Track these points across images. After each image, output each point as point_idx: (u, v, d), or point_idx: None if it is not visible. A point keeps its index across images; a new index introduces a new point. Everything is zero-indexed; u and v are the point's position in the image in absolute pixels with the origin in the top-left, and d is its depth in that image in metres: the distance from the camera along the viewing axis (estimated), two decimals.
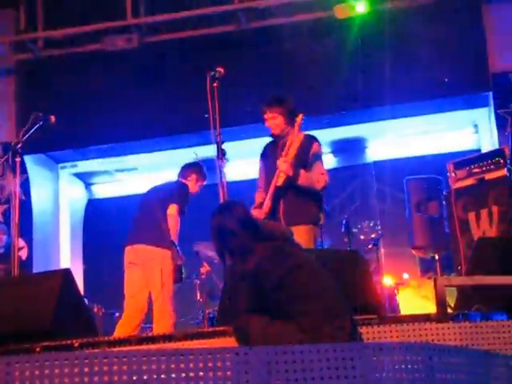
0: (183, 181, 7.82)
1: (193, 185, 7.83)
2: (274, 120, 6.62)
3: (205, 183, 7.99)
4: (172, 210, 7.42)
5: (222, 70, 6.49)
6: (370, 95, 9.58)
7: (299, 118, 6.52)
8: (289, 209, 6.42)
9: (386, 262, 9.77)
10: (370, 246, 9.30)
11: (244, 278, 4.21)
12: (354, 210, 10.63)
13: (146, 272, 7.36)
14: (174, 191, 7.62)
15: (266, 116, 6.66)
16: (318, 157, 6.64)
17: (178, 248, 7.43)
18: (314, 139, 6.66)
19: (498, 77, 9.52)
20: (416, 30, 9.57)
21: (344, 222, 9.37)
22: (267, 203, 6.43)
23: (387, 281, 9.13)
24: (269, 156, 6.76)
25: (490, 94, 9.67)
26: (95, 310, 9.38)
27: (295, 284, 4.09)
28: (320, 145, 6.72)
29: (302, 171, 6.40)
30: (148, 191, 7.94)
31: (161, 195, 7.62)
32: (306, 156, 6.54)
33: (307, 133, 6.73)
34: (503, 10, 9.71)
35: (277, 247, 4.31)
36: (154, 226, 7.43)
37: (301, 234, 6.15)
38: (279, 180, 6.42)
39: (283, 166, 6.36)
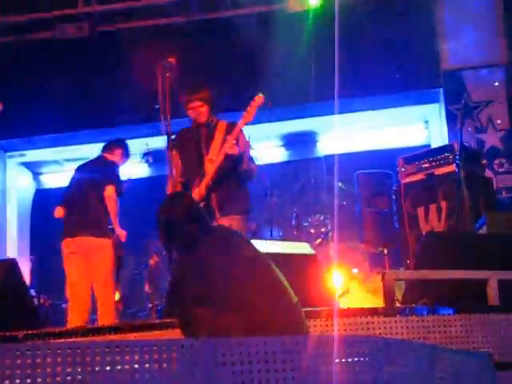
0: (109, 157, 7.66)
1: (118, 160, 7.72)
2: (202, 108, 6.48)
3: (127, 161, 7.91)
4: (109, 191, 7.31)
5: (173, 61, 6.42)
6: (321, 89, 9.58)
7: (259, 99, 6.42)
8: (222, 199, 6.33)
9: (336, 256, 9.81)
10: (319, 240, 9.32)
11: (190, 270, 4.17)
12: (305, 204, 10.64)
13: (89, 263, 7.25)
14: (106, 172, 7.47)
15: (191, 105, 6.50)
16: (245, 139, 6.56)
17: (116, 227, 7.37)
18: (236, 123, 6.47)
19: (449, 73, 9.60)
20: (368, 25, 9.61)
21: (294, 215, 9.40)
22: (200, 192, 6.32)
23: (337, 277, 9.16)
24: (187, 144, 6.57)
25: (441, 90, 9.75)
26: (42, 301, 9.28)
27: (240, 276, 4.06)
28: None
29: (245, 156, 6.36)
30: (76, 176, 7.66)
31: (92, 179, 7.42)
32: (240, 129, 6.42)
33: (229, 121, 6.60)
34: (456, 6, 9.77)
35: (223, 239, 4.29)
36: (91, 215, 7.28)
37: (234, 224, 6.15)
38: (211, 170, 6.35)
39: (234, 149, 6.26)
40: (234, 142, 6.26)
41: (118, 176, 7.55)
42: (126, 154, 7.83)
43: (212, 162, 6.33)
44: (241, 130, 6.43)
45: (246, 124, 6.40)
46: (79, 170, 7.71)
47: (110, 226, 7.35)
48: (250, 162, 6.48)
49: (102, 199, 7.29)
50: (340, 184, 9.36)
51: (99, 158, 7.70)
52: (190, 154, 6.52)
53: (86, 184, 7.41)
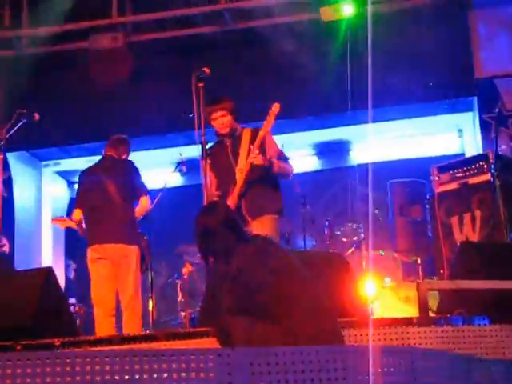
0: (123, 157, 7.65)
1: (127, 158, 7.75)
2: (225, 118, 6.55)
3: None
4: (146, 202, 7.38)
5: (207, 71, 6.46)
6: (354, 98, 9.59)
7: (276, 108, 6.46)
8: (250, 202, 6.38)
9: (368, 265, 9.78)
10: (352, 249, 9.30)
11: (227, 279, 4.19)
12: (337, 213, 10.62)
13: (117, 269, 7.25)
14: (135, 182, 7.46)
15: (214, 115, 6.57)
16: (273, 143, 6.61)
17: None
18: (258, 129, 6.52)
19: (483, 82, 9.56)
20: (402, 33, 9.60)
21: (327, 223, 9.39)
22: (233, 201, 6.37)
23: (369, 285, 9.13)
24: (217, 159, 6.62)
25: (475, 98, 9.71)
26: (76, 309, 9.35)
27: (278, 285, 4.08)
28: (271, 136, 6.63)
29: (273, 160, 6.39)
30: (96, 179, 7.47)
31: (122, 186, 7.37)
32: (263, 148, 6.48)
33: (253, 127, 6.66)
34: (488, 15, 9.74)
35: (260, 248, 4.30)
36: (122, 222, 7.28)
37: (265, 225, 6.21)
38: (240, 179, 6.38)
39: (258, 159, 6.31)
40: (257, 151, 6.32)
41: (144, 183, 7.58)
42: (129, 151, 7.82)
43: (241, 172, 6.39)
44: (266, 136, 6.48)
45: (270, 132, 6.49)
46: (98, 172, 7.55)
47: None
48: (283, 162, 6.51)
49: (132, 207, 7.34)
50: (376, 211, 9.30)
51: (119, 162, 7.64)
52: (220, 167, 6.59)
53: (114, 190, 7.34)
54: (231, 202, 6.35)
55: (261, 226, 6.30)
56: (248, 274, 4.09)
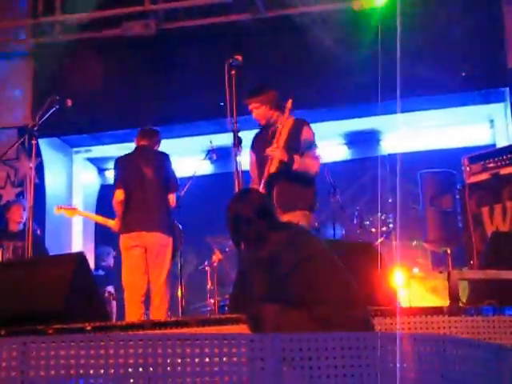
0: (163, 152, 7.79)
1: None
2: (258, 110, 6.59)
3: None
4: (173, 198, 7.51)
5: (240, 58, 6.49)
6: (385, 87, 9.52)
7: (289, 104, 6.48)
8: (282, 195, 6.34)
9: (398, 255, 9.76)
10: (381, 239, 9.29)
11: (258, 266, 4.21)
12: (367, 203, 10.60)
13: (152, 257, 7.34)
14: (171, 175, 7.62)
15: (249, 108, 6.64)
16: (310, 141, 6.60)
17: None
18: (304, 123, 6.58)
19: None
20: (433, 24, 9.54)
21: (356, 213, 9.38)
22: (262, 190, 6.38)
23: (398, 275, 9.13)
24: (259, 146, 6.70)
25: (507, 89, 9.64)
26: (106, 294, 9.42)
27: (308, 273, 4.09)
28: (311, 128, 6.64)
29: (295, 156, 6.37)
30: (138, 165, 7.57)
31: (161, 179, 7.51)
32: (298, 140, 6.49)
33: (297, 117, 6.67)
34: None
35: (291, 235, 4.32)
36: (159, 213, 7.41)
37: (297, 220, 6.19)
38: (272, 167, 6.39)
39: (276, 152, 6.32)
40: (276, 145, 6.32)
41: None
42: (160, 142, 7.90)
43: (272, 163, 6.40)
44: (299, 129, 6.49)
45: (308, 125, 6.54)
46: (136, 160, 7.64)
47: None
48: (306, 159, 6.48)
49: (167, 197, 7.43)
50: (411, 204, 9.26)
51: (156, 152, 7.76)
52: (260, 153, 6.60)
53: (154, 179, 7.46)
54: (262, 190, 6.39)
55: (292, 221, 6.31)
56: (280, 260, 4.10)
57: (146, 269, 7.33)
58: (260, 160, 6.62)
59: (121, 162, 7.70)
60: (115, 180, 7.60)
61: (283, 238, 4.23)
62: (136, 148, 7.72)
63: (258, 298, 4.16)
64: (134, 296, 7.28)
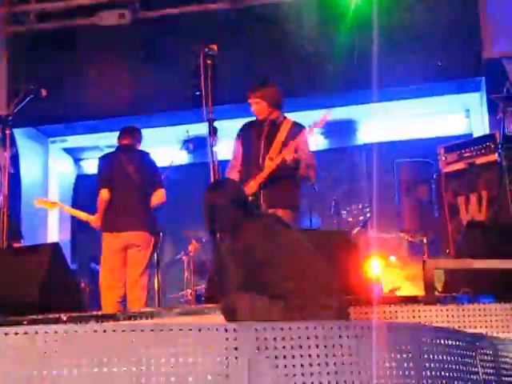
0: (145, 151, 7.80)
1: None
2: (258, 105, 6.64)
3: None
4: (163, 194, 7.50)
5: (215, 48, 6.45)
6: (361, 77, 9.55)
7: (328, 115, 6.57)
8: (269, 192, 6.42)
9: (374, 245, 9.79)
10: (358, 228, 9.31)
11: (233, 255, 4.21)
12: (344, 192, 10.61)
13: (134, 255, 7.34)
14: (156, 173, 7.62)
15: (250, 101, 6.69)
16: (308, 146, 6.67)
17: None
18: (302, 127, 6.64)
19: (491, 62, 9.50)
20: (411, 12, 9.54)
21: (333, 203, 9.39)
22: (253, 186, 6.42)
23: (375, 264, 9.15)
24: (250, 137, 6.74)
25: (483, 79, 9.67)
26: (82, 285, 9.38)
27: (284, 261, 4.09)
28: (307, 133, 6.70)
29: (303, 164, 6.44)
30: (120, 164, 7.56)
31: (144, 178, 7.51)
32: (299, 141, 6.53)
33: (293, 119, 6.75)
34: None
35: (266, 225, 4.32)
36: (145, 210, 7.41)
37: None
38: (269, 167, 6.43)
39: (290, 156, 6.35)
40: (293, 149, 6.35)
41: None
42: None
43: (271, 160, 6.43)
44: (305, 139, 6.54)
45: (310, 134, 6.60)
46: (120, 159, 7.62)
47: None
48: (308, 169, 6.54)
49: (150, 196, 7.41)
50: None
51: (138, 152, 7.77)
52: (250, 147, 6.66)
53: (138, 178, 7.47)
54: (251, 186, 6.43)
55: None
56: (255, 249, 4.10)
57: (125, 269, 7.34)
58: (247, 151, 6.67)
59: (104, 161, 7.73)
60: (99, 179, 7.58)
61: (258, 228, 4.23)
62: (118, 147, 7.73)
63: (233, 288, 4.15)
64: (111, 298, 7.25)
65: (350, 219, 9.63)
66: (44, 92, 7.36)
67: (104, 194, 7.42)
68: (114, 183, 7.46)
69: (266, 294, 4.00)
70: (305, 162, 6.48)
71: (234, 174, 6.74)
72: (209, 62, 6.42)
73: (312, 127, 6.52)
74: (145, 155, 7.71)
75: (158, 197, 7.46)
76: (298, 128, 6.60)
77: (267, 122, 6.66)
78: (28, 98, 7.25)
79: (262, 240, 4.14)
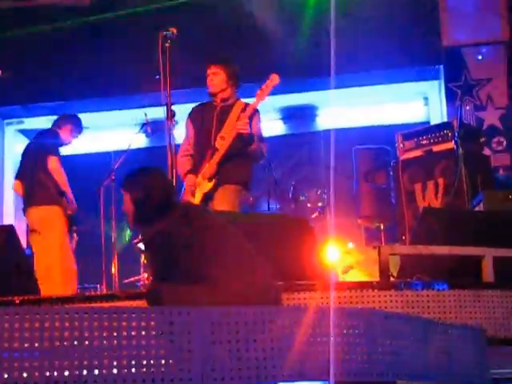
0: (56, 129, 7.79)
1: (67, 135, 7.85)
2: (216, 76, 6.64)
3: (79, 136, 8.05)
4: (53, 163, 7.41)
5: (174, 31, 6.41)
6: (321, 63, 9.52)
7: (274, 80, 6.54)
8: (221, 169, 6.43)
9: (332, 231, 9.82)
10: (316, 214, 9.33)
11: (152, 243, 4.16)
12: (302, 178, 10.62)
13: (41, 232, 7.33)
14: (46, 142, 7.60)
15: (208, 71, 6.69)
16: (260, 128, 6.69)
17: (68, 197, 7.44)
18: (256, 110, 6.63)
19: (450, 50, 9.58)
20: (371, 0, 9.57)
21: (291, 188, 9.40)
22: (211, 168, 6.43)
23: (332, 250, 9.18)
24: (201, 118, 6.74)
25: (441, 67, 9.74)
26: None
27: (203, 243, 4.04)
28: (259, 115, 6.73)
29: (255, 137, 6.45)
30: (25, 148, 7.91)
31: (36, 148, 7.60)
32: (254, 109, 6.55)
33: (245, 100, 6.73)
34: None
35: (185, 209, 4.33)
36: (38, 186, 7.41)
37: (227, 193, 6.33)
38: (223, 147, 6.43)
39: (246, 129, 6.35)
40: (247, 121, 6.34)
41: (57, 146, 7.66)
42: (77, 129, 7.95)
43: (223, 139, 6.42)
44: (255, 112, 6.50)
45: (260, 102, 6.53)
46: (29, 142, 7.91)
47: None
48: (261, 143, 6.55)
49: (47, 170, 7.40)
50: None
51: (47, 131, 7.85)
52: (203, 128, 6.66)
53: (31, 155, 7.60)
54: (208, 168, 6.44)
55: (222, 194, 6.38)
56: (176, 234, 4.05)
57: (41, 244, 7.41)
58: (201, 134, 6.64)
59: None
60: None
61: (177, 213, 4.19)
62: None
63: (157, 276, 4.15)
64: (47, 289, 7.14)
65: (308, 205, 9.65)
66: (0, 72, 7.26)
67: (14, 186, 7.95)
68: (21, 169, 7.85)
69: (185, 279, 3.97)
70: (257, 136, 6.49)
71: (186, 159, 6.74)
72: (167, 45, 6.38)
73: (259, 94, 6.48)
74: (41, 131, 7.89)
75: (50, 167, 7.47)
76: (250, 107, 6.55)
77: (219, 103, 6.66)
78: None
79: (181, 223, 4.10)
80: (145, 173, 4.42)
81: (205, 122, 6.65)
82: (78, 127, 7.93)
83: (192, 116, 6.84)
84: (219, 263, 4.00)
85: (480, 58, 9.45)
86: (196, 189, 6.53)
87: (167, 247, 4.04)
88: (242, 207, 6.81)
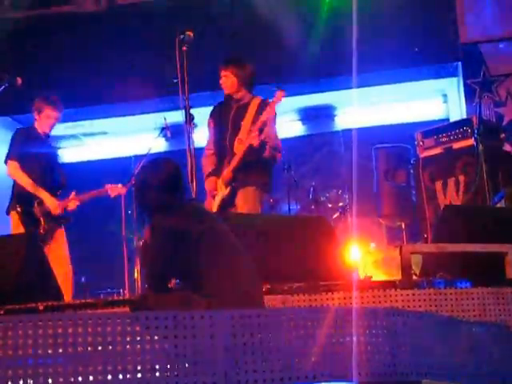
0: (33, 120, 7.60)
1: (41, 122, 7.54)
2: (227, 79, 6.71)
3: (57, 113, 7.61)
4: (9, 169, 7.28)
5: (191, 34, 6.43)
6: (339, 62, 9.54)
7: (279, 97, 6.51)
8: (240, 172, 6.46)
9: (353, 231, 9.80)
10: (337, 214, 9.31)
11: (161, 236, 4.11)
12: (322, 178, 10.62)
13: None
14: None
15: (221, 74, 6.75)
16: (273, 126, 6.69)
17: (41, 197, 7.25)
18: (269, 103, 6.60)
19: (468, 47, 9.53)
20: None
21: (311, 189, 9.39)
22: (229, 174, 6.48)
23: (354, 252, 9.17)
24: (219, 118, 6.81)
25: (460, 63, 9.68)
26: None
27: (209, 245, 4.02)
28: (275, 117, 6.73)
29: (267, 146, 6.47)
30: None
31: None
32: (263, 122, 6.53)
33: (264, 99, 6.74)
34: None
35: (195, 208, 4.34)
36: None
37: (247, 195, 6.36)
38: (240, 151, 6.47)
39: (256, 141, 6.37)
40: (257, 132, 6.35)
41: (12, 146, 7.40)
42: (46, 105, 7.56)
43: (241, 143, 6.46)
44: (269, 118, 6.53)
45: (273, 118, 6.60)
46: None
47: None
48: (273, 151, 6.57)
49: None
50: None
51: None
52: (221, 129, 6.72)
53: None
54: (227, 173, 6.52)
55: (242, 197, 6.40)
56: (186, 231, 4.01)
57: None
58: (219, 132, 6.73)
59: None
60: None
61: (187, 210, 4.18)
62: None
63: (149, 281, 4.14)
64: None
65: (329, 205, 9.64)
66: (19, 80, 7.26)
67: None
68: None
69: (188, 280, 3.98)
70: (269, 144, 6.50)
71: (210, 159, 6.81)
72: (184, 48, 6.40)
73: (268, 111, 6.47)
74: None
75: (7, 173, 7.36)
76: (264, 105, 6.58)
77: (234, 102, 6.73)
78: (2, 87, 7.17)
79: (189, 223, 4.08)
80: (152, 162, 4.44)
81: (222, 121, 6.73)
82: (45, 102, 7.55)
83: (212, 115, 6.93)
84: (220, 267, 3.97)
85: (498, 53, 9.38)
86: (216, 192, 6.58)
87: (177, 243, 4.00)
88: (263, 209, 6.83)
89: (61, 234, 7.29)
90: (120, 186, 7.66)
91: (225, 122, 6.67)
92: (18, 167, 7.22)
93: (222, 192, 6.54)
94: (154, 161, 4.45)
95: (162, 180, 4.22)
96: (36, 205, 7.17)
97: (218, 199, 6.55)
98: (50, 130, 7.62)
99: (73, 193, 7.40)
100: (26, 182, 7.20)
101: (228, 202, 6.53)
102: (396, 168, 8.87)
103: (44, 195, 7.20)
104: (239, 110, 6.66)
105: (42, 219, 7.15)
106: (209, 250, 3.98)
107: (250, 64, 6.86)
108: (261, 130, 6.42)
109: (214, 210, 6.47)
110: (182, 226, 4.04)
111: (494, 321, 4.59)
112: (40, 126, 7.54)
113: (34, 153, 7.30)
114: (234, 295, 3.85)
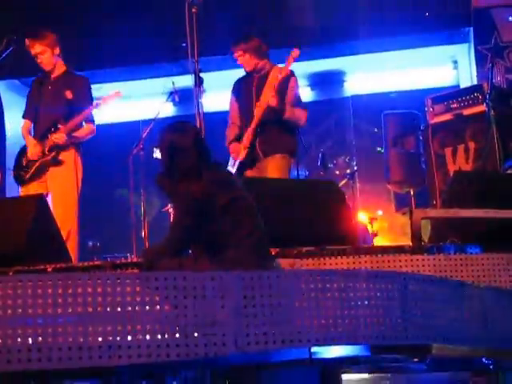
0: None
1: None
2: (242, 57, 6.76)
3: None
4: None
5: None
6: (349, 28, 9.47)
7: (294, 53, 6.54)
8: (265, 139, 6.48)
9: (361, 198, 9.79)
10: (345, 181, 9.29)
11: (188, 201, 4.08)
12: (331, 145, 10.58)
13: None
14: None
15: (235, 56, 6.79)
16: (297, 92, 6.75)
17: None
18: (291, 74, 6.65)
19: (480, 12, 9.42)
20: None
21: (320, 155, 9.36)
22: (248, 137, 6.49)
23: (361, 216, 9.16)
24: (242, 90, 6.87)
25: (471, 29, 9.59)
26: None
27: (235, 213, 4.03)
28: (297, 80, 6.81)
29: (287, 106, 6.46)
30: None
31: None
32: (285, 90, 6.59)
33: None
34: None
35: (223, 175, 4.33)
36: None
37: (276, 162, 6.37)
38: (260, 114, 6.46)
39: (272, 100, 6.40)
40: (273, 93, 6.35)
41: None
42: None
43: (260, 107, 6.51)
44: (289, 77, 6.61)
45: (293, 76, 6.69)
46: None
47: None
48: (295, 110, 6.60)
49: None
50: (378, 149, 9.27)
51: None
52: (243, 100, 6.79)
53: None
54: (246, 136, 6.57)
55: (271, 164, 6.43)
56: (213, 198, 4.00)
57: None
58: (242, 104, 6.81)
59: None
60: None
61: (217, 176, 4.16)
62: None
63: (181, 228, 4.11)
64: None
65: (337, 172, 9.62)
66: (27, 42, 7.23)
67: None
68: None
69: (214, 242, 3.97)
70: (290, 104, 6.50)
71: (232, 129, 6.89)
72: (194, 11, 6.35)
73: (283, 69, 6.57)
74: None
75: None
76: (287, 74, 6.64)
77: (255, 73, 6.75)
78: (10, 49, 7.12)
79: (220, 188, 4.07)
80: (183, 126, 4.38)
81: (246, 94, 6.77)
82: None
83: (233, 90, 6.99)
84: (243, 235, 3.98)
85: (510, 19, 9.28)
86: (237, 156, 6.63)
87: (204, 208, 4.00)
88: (291, 176, 6.87)
89: (57, 174, 6.89)
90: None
91: (249, 94, 6.73)
92: (23, 127, 7.21)
93: (241, 155, 6.56)
94: (180, 123, 4.42)
95: (192, 142, 4.19)
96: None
97: (236, 163, 6.60)
98: (50, 66, 7.41)
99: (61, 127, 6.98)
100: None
101: (245, 165, 6.54)
102: (405, 134, 8.82)
103: (28, 142, 7.06)
104: (261, 80, 6.70)
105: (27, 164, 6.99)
106: (231, 221, 3.99)
107: (256, 37, 6.85)
108: (279, 92, 6.42)
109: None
110: (209, 194, 4.03)
111: (504, 287, 4.58)
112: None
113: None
114: (245, 257, 3.86)
